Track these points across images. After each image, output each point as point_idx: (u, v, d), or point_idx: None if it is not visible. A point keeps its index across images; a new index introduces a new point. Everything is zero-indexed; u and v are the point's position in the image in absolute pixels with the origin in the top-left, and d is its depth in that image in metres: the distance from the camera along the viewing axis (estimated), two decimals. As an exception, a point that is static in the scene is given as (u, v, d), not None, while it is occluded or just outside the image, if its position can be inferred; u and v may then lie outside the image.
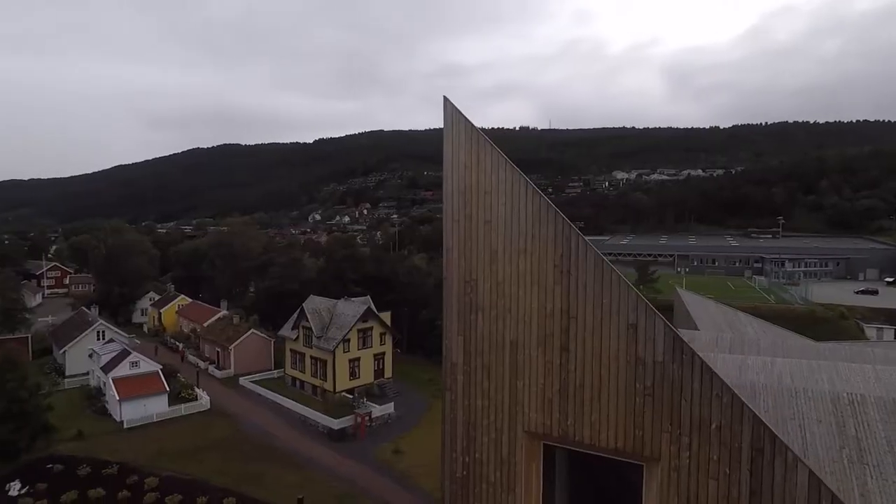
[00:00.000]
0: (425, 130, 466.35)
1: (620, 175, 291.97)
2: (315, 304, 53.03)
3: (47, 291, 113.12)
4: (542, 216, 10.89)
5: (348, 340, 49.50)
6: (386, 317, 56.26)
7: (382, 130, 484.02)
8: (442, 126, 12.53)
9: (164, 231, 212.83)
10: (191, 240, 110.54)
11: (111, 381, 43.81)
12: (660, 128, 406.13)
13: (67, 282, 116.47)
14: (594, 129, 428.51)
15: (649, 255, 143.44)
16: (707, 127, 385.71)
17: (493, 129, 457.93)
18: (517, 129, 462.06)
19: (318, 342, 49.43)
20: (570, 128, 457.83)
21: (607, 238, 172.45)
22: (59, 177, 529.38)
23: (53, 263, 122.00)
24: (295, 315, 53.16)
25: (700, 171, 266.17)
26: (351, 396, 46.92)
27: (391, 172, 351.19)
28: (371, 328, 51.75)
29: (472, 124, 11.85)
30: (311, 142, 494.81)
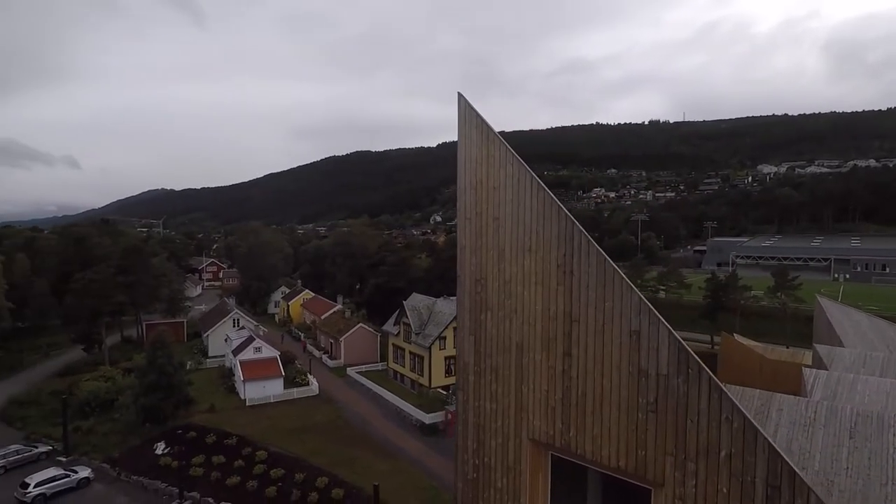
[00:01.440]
0: (546, 130, 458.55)
1: (767, 169, 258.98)
2: (415, 302, 55.02)
3: (206, 284, 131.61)
4: (545, 213, 10.29)
5: (444, 338, 50.54)
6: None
7: (503, 131, 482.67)
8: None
9: (302, 232, 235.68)
10: (320, 240, 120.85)
11: (238, 363, 49.76)
12: (819, 113, 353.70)
13: (221, 276, 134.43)
14: (735, 118, 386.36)
15: (798, 258, 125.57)
16: (882, 109, 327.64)
17: (618, 125, 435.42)
18: (646, 123, 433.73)
19: (416, 338, 51.22)
20: (707, 119, 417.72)
21: (746, 239, 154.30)
22: (223, 185, 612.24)
23: (211, 260, 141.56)
24: (397, 311, 55.69)
25: (872, 161, 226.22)
26: (445, 393, 47.86)
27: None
28: (467, 327, 52.27)
29: (483, 119, 11.55)
30: (435, 146, 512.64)
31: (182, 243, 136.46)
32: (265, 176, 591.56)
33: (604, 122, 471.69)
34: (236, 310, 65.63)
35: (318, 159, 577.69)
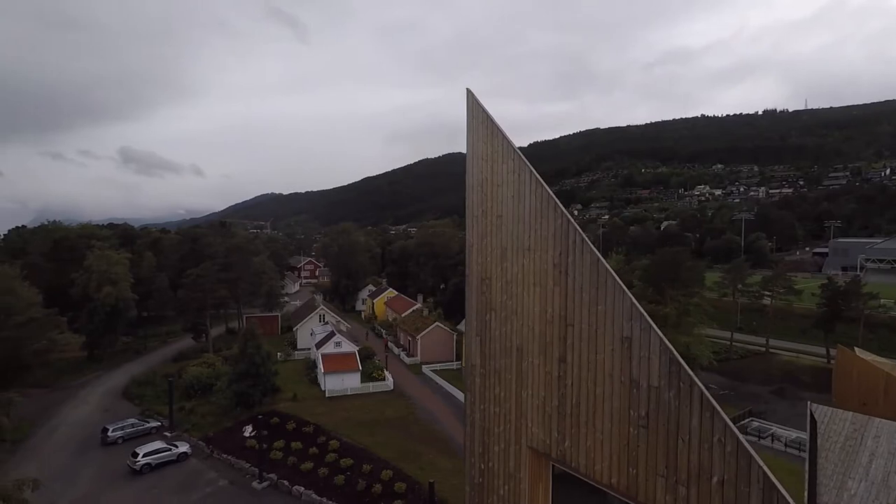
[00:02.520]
0: (644, 125, 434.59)
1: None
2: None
3: (303, 281, 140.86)
4: (542, 210, 9.82)
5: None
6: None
7: (598, 128, 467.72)
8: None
9: (394, 232, 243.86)
10: (406, 240, 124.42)
11: (320, 356, 52.70)
12: None
13: (317, 273, 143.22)
14: (870, 103, 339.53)
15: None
16: None
17: (726, 116, 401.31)
18: (759, 113, 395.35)
19: (488, 339, 50.94)
20: (834, 105, 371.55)
21: (880, 241, 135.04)
22: (325, 188, 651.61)
23: (309, 259, 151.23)
24: (470, 311, 55.75)
25: None
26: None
27: (605, 171, 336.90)
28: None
29: (489, 115, 11.25)
30: (526, 145, 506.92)
31: (283, 243, 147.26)
32: (362, 179, 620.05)
33: (709, 113, 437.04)
34: (322, 306, 69.58)
35: (412, 162, 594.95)
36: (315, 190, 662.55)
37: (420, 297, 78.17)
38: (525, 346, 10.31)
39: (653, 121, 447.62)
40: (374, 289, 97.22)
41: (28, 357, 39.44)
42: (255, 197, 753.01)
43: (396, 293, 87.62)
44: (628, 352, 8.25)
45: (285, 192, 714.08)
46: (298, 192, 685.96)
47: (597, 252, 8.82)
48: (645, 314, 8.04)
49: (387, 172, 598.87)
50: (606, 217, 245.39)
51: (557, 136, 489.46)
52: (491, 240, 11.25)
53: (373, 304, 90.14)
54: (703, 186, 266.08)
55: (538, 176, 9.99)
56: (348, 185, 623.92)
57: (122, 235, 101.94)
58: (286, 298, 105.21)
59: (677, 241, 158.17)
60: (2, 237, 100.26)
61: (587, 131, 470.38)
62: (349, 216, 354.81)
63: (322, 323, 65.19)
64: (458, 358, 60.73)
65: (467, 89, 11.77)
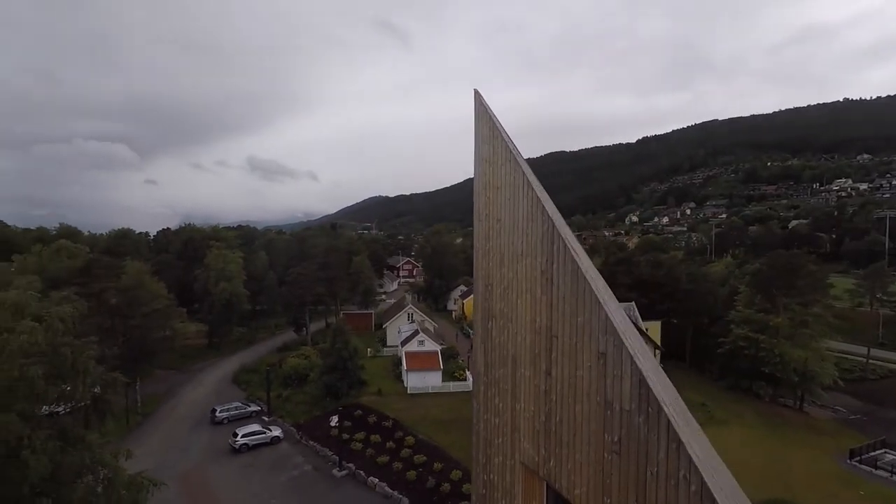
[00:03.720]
0: (771, 113, 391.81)
1: None
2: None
3: (401, 280, 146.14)
4: (533, 214, 9.32)
5: (601, 346, 47.60)
6: (654, 327, 51.53)
7: (716, 120, 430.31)
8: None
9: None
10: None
11: (404, 354, 54.35)
12: None
13: (415, 273, 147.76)
14: None
15: None
16: None
17: (874, 99, 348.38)
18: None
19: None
20: None
21: None
22: (428, 190, 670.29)
23: (407, 259, 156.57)
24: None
25: None
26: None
27: (723, 166, 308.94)
28: (628, 337, 48.39)
29: (491, 116, 10.91)
30: (634, 141, 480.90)
31: (382, 244, 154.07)
32: (465, 181, 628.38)
33: (853, 97, 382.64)
34: (410, 305, 71.66)
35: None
36: (420, 192, 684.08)
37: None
38: (518, 357, 9.84)
39: (782, 108, 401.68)
40: (465, 289, 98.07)
41: (153, 343, 45.39)
42: (364, 200, 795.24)
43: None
44: (603, 369, 7.54)
45: (391, 195, 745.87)
46: (404, 193, 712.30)
47: (579, 258, 8.16)
48: (619, 328, 7.28)
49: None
50: (724, 216, 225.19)
51: (670, 130, 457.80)
52: (492, 244, 10.89)
53: (463, 304, 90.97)
54: (843, 180, 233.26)
55: (530, 178, 9.48)
56: (451, 186, 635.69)
57: (245, 236, 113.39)
58: (383, 296, 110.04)
59: (806, 243, 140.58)
60: (152, 238, 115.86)
61: (703, 123, 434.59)
62: (452, 217, 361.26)
63: (410, 321, 67.18)
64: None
65: (475, 90, 11.51)
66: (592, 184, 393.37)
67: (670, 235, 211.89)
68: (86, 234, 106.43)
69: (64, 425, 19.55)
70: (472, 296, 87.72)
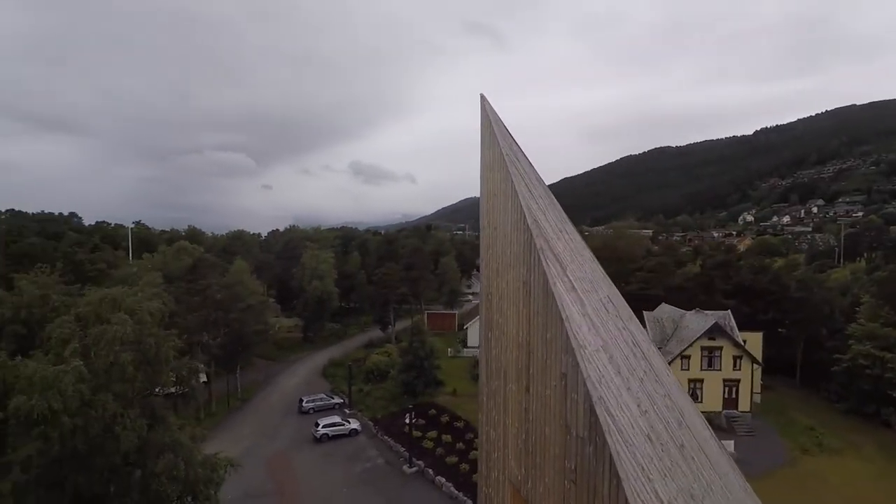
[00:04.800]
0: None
1: None
2: (660, 313, 49.42)
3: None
4: (518, 223, 8.99)
5: (688, 357, 44.01)
6: (753, 338, 46.92)
7: (853, 105, 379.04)
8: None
9: (588, 234, 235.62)
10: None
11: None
12: None
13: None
14: None
15: None
16: None
17: None
18: None
19: (655, 354, 46.08)
20: None
21: None
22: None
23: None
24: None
25: None
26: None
27: (860, 158, 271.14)
28: (720, 348, 44.11)
29: (493, 121, 10.65)
30: (751, 133, 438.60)
31: (472, 245, 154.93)
32: (561, 180, 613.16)
33: None
34: (491, 306, 71.41)
35: (614, 160, 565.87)
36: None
37: (594, 303, 74.40)
38: (508, 370, 9.56)
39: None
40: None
41: (248, 336, 49.79)
42: (460, 200, 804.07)
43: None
44: (564, 391, 7.11)
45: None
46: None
47: (550, 270, 7.75)
48: (580, 348, 6.82)
49: (587, 172, 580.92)
50: (859, 214, 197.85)
51: (793, 120, 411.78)
52: (490, 253, 10.66)
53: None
54: None
55: (517, 186, 9.16)
56: (548, 186, 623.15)
57: (344, 237, 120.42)
58: (470, 297, 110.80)
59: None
60: (263, 238, 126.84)
61: (836, 110, 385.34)
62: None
63: (489, 323, 67.05)
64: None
65: (481, 95, 11.32)
66: (701, 180, 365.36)
67: (790, 236, 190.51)
68: (209, 234, 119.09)
69: (153, 406, 22.18)
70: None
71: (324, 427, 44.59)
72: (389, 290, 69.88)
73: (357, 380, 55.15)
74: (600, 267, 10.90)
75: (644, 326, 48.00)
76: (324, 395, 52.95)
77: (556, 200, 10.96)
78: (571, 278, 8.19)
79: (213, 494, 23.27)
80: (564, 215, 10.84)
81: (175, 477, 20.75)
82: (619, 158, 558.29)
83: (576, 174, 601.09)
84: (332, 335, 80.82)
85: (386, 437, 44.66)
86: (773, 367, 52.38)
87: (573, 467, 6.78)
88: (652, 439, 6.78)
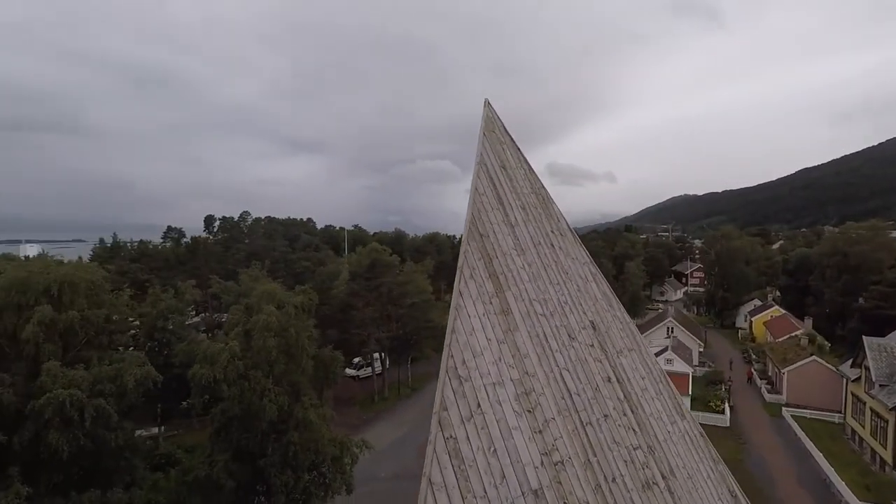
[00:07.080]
0: None
1: None
2: (891, 340, 38.21)
3: (690, 288, 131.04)
4: (468, 236, 8.45)
5: (930, 402, 33.25)
6: None
7: None
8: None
9: (838, 233, 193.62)
10: (809, 247, 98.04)
11: (648, 370, 49.46)
12: None
13: (706, 282, 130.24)
14: None
15: None
16: None
17: None
18: None
19: (878, 391, 35.84)
20: None
21: None
22: (746, 186, 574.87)
23: (698, 265, 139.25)
24: (857, 349, 40.40)
25: None
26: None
27: None
28: None
29: (486, 122, 10.09)
30: None
31: (667, 248, 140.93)
32: (797, 172, 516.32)
33: None
34: (671, 318, 64.14)
35: (872, 144, 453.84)
36: (734, 188, 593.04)
37: (809, 322, 60.85)
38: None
39: None
40: (759, 304, 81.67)
41: (414, 331, 54.12)
42: (668, 199, 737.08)
43: (783, 312, 71.08)
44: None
45: (700, 193, 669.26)
46: (715, 191, 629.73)
47: (495, 280, 7.18)
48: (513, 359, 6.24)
49: (834, 160, 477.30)
50: None
51: None
52: (489, 264, 10.08)
53: (752, 322, 76.03)
54: None
55: (499, 189, 8.64)
56: (777, 180, 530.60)
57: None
58: (660, 306, 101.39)
59: None
60: (457, 240, 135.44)
61: None
62: (777, 216, 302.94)
63: (667, 336, 60.43)
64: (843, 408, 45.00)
65: (485, 100, 10.82)
66: None
67: None
68: (410, 236, 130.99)
69: (297, 386, 26.07)
70: (765, 313, 72.92)
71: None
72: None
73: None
74: (599, 288, 9.50)
75: (862, 355, 38.03)
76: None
77: (555, 209, 9.89)
78: (512, 299, 7.45)
79: (349, 470, 26.36)
80: (562, 225, 9.72)
81: (308, 448, 24.11)
82: (880, 143, 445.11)
83: (818, 163, 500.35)
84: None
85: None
86: None
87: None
88: None
